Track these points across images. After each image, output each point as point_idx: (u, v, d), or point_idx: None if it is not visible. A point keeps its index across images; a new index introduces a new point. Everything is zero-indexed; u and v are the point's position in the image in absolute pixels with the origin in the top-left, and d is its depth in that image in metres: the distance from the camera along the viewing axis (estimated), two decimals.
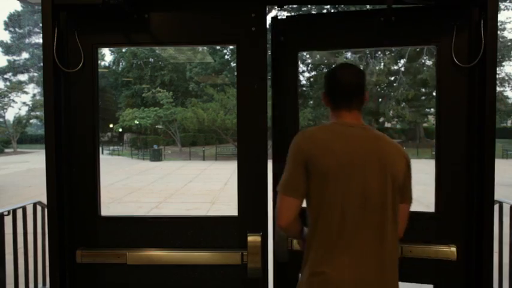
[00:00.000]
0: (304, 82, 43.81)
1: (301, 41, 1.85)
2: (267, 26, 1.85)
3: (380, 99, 32.40)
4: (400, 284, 1.47)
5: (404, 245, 1.74)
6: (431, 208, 1.85)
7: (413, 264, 1.77)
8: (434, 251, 1.74)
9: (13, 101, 37.92)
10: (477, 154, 1.70)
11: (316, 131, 1.47)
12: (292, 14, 1.86)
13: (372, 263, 1.37)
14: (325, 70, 39.77)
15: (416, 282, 1.83)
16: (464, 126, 1.74)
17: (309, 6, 37.10)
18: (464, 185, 1.74)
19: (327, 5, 2.11)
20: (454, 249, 1.72)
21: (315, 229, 1.41)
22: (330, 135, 1.44)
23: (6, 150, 36.59)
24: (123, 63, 44.05)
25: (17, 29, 46.93)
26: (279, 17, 1.85)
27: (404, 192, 1.48)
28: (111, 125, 40.64)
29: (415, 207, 1.62)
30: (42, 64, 1.71)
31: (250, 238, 1.69)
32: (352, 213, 1.37)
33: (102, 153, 30.38)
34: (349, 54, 27.84)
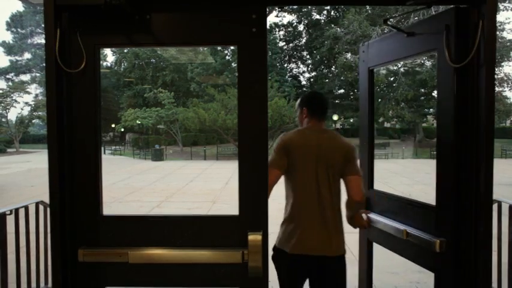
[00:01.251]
0: (304, 83, 43.78)
1: (372, 60, 2.49)
2: (268, 27, 1.86)
3: (379, 100, 32.33)
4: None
5: (410, 231, 2.05)
6: None
7: (416, 249, 2.04)
8: (429, 242, 1.90)
9: (15, 101, 37.99)
10: (476, 153, 1.71)
11: (293, 135, 2.25)
12: (368, 41, 2.58)
13: (320, 223, 2.14)
14: (325, 71, 39.77)
15: (421, 266, 2.08)
16: (459, 126, 1.78)
17: (309, 7, 37.07)
18: (460, 183, 1.79)
19: (326, 5, 2.18)
20: (439, 241, 1.84)
21: (288, 196, 2.23)
22: (300, 138, 2.23)
23: (9, 150, 36.66)
24: (125, 64, 44.08)
25: (19, 30, 47.01)
26: (364, 45, 2.62)
27: (349, 169, 2.20)
28: (113, 125, 40.71)
29: None
30: (44, 64, 1.71)
31: (251, 237, 1.70)
32: (309, 188, 2.16)
33: (104, 152, 30.43)
34: (349, 55, 27.79)
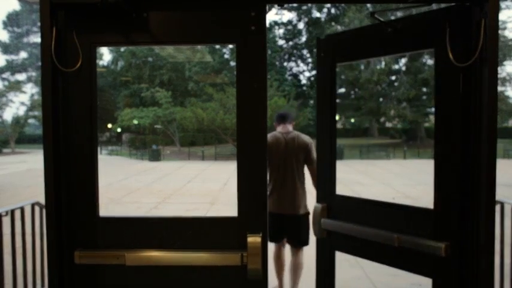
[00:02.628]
0: (304, 82, 43.77)
1: (336, 55, 2.25)
2: (267, 25, 1.84)
3: (381, 99, 32.36)
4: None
5: (404, 237, 1.88)
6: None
7: (411, 256, 1.89)
8: (429, 246, 1.80)
9: (11, 100, 37.99)
10: (478, 154, 1.69)
11: (269, 137, 3.40)
12: (329, 33, 2.34)
13: (288, 193, 3.59)
14: None
15: (415, 273, 1.94)
16: (461, 126, 1.74)
17: (309, 5, 37.09)
18: (462, 184, 1.75)
19: (327, 3, 2.13)
20: (444, 245, 1.75)
21: (270, 177, 3.61)
22: (273, 138, 3.63)
23: (4, 150, 36.58)
24: (122, 63, 43.99)
25: (15, 28, 46.86)
26: (321, 38, 2.33)
27: (308, 161, 3.64)
28: (109, 125, 40.60)
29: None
30: (40, 63, 1.69)
31: (250, 239, 1.68)
32: (282, 171, 3.58)
33: (101, 153, 30.38)
34: None
